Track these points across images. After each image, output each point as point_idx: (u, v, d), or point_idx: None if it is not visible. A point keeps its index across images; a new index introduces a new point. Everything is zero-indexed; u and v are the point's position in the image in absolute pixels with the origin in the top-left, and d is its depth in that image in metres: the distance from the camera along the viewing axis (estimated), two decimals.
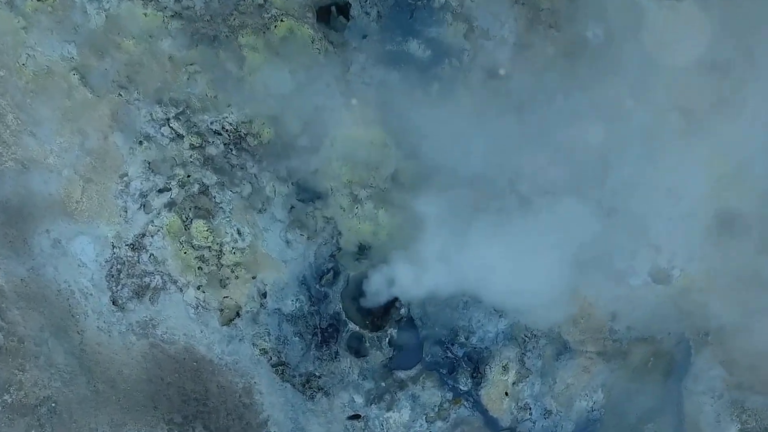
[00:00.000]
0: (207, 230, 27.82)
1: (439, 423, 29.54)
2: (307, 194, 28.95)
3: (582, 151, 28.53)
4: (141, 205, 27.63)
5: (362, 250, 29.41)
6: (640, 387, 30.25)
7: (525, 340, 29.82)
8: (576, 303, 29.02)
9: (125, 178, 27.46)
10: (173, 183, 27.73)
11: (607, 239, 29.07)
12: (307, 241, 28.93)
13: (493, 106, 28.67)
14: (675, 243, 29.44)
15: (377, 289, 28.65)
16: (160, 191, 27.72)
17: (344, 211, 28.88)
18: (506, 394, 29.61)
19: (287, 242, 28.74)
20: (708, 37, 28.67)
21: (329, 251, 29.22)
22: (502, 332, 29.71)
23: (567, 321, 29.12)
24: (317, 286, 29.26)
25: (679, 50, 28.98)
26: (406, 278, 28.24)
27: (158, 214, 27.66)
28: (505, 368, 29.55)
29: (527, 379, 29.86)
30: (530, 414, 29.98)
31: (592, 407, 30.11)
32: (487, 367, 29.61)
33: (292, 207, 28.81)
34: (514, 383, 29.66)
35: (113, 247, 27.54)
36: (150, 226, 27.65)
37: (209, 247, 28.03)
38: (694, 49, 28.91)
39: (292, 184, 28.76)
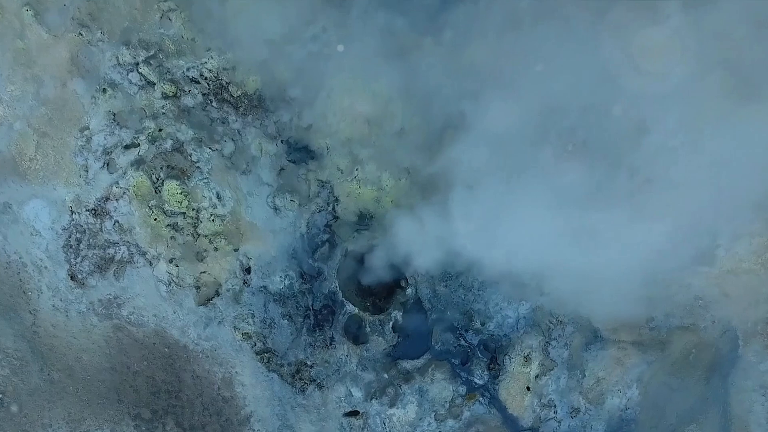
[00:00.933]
0: (181, 193, 26.43)
1: (450, 422, 28.39)
2: (299, 154, 28.48)
3: (614, 110, 27.12)
4: (104, 163, 26.36)
5: (363, 219, 28.76)
6: (680, 383, 28.01)
7: (550, 327, 28.43)
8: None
9: (86, 132, 26.23)
10: (142, 138, 26.46)
11: (642, 214, 27.08)
12: (299, 208, 28.23)
13: (513, 57, 26.73)
14: (719, 218, 27.21)
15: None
16: (127, 147, 26.44)
17: (342, 173, 28.07)
18: (528, 388, 28.41)
19: (275, 209, 27.97)
20: None
21: (324, 220, 28.65)
22: (524, 317, 28.66)
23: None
24: (310, 261, 28.64)
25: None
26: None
27: (124, 173, 26.27)
28: (527, 359, 28.23)
29: (552, 371, 28.43)
30: (555, 412, 28.53)
31: (625, 405, 28.24)
32: (506, 357, 28.47)
33: (282, 168, 28.12)
34: (536, 376, 28.41)
35: (72, 212, 26.36)
36: (114, 187, 26.24)
37: (184, 213, 26.77)
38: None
39: (281, 141, 28.14)
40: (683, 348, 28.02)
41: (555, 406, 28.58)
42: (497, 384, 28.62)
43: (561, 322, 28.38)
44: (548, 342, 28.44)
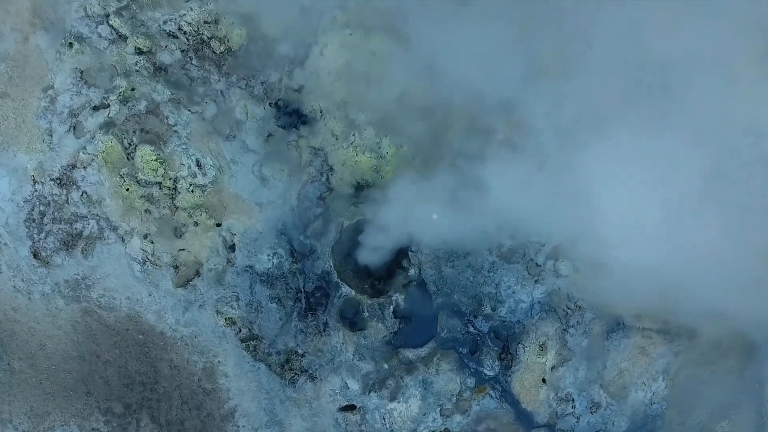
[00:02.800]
0: (156, 160, 26.00)
1: (457, 417, 28.18)
2: (289, 118, 27.94)
3: (639, 74, 26.89)
4: (70, 126, 26.02)
5: (360, 190, 28.15)
6: (711, 375, 28.41)
7: (567, 313, 28.10)
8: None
9: (50, 92, 25.88)
10: (113, 98, 26.16)
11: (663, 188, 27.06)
12: (289, 179, 27.71)
13: (528, 13, 26.85)
14: (752, 194, 26.77)
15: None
16: (96, 109, 26.12)
17: (337, 139, 27.36)
18: (543, 381, 28.22)
19: (262, 179, 27.46)
20: None
21: (317, 192, 28.11)
22: (539, 302, 28.19)
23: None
24: (301, 238, 28.22)
25: None
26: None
27: (92, 138, 25.91)
28: (543, 348, 28.04)
29: (570, 362, 28.30)
30: (573, 407, 28.47)
31: (651, 399, 28.51)
32: (520, 346, 28.13)
33: (270, 134, 27.57)
34: (553, 367, 28.25)
35: (34, 181, 26.00)
36: (82, 154, 25.85)
37: (159, 183, 26.39)
38: None
39: (269, 104, 27.62)
40: (713, 336, 27.89)
41: (573, 401, 28.47)
42: (509, 376, 28.50)
43: (579, 307, 28.08)
44: (566, 329, 28.15)
